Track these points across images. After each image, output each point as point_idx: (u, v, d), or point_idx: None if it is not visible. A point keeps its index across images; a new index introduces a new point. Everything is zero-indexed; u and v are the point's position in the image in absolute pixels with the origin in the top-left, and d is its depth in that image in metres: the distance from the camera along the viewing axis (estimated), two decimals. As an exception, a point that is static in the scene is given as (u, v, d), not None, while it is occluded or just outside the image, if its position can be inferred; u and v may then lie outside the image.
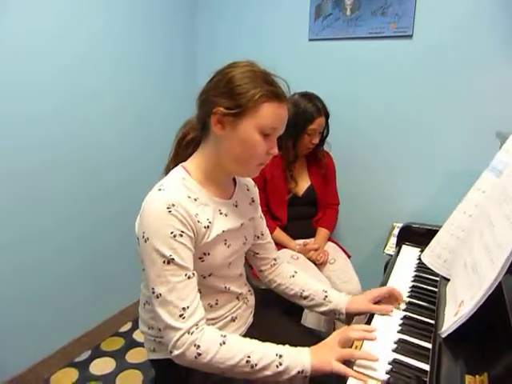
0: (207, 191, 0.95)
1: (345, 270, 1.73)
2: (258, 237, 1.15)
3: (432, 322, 0.96)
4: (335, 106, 1.84)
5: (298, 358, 0.82)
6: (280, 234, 1.81)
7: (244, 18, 2.24)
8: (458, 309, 0.84)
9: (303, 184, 1.87)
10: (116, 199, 2.00)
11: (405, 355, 0.85)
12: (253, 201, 1.13)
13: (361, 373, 0.78)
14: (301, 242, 1.84)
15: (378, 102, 1.97)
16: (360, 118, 2.04)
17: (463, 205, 1.21)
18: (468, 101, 1.77)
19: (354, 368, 0.80)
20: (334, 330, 1.62)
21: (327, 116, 1.77)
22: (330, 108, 1.79)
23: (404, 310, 1.03)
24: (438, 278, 1.16)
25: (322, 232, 1.87)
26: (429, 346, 0.87)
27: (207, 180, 0.96)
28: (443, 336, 0.84)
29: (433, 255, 1.22)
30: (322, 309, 1.11)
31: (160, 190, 0.88)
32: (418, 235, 1.44)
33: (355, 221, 2.16)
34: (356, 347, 0.86)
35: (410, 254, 1.39)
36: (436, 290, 1.11)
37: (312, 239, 1.86)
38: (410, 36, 1.83)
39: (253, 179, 1.16)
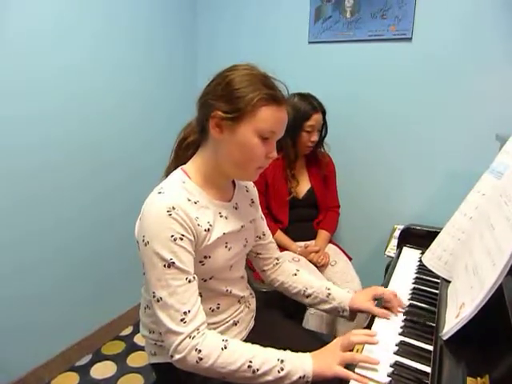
0: (207, 194, 0.95)
1: (346, 272, 1.73)
2: (260, 237, 1.15)
3: (433, 324, 0.95)
4: (335, 108, 1.85)
5: (300, 363, 0.81)
6: (281, 236, 1.81)
7: (244, 21, 2.24)
8: (459, 311, 0.84)
9: (304, 186, 1.87)
10: (117, 200, 2.00)
11: (406, 357, 0.85)
12: (253, 202, 1.13)
13: (362, 375, 0.78)
14: (302, 244, 1.84)
15: (378, 104, 1.97)
16: (360, 120, 2.04)
17: (464, 207, 1.21)
18: (468, 103, 1.77)
19: (356, 371, 0.80)
20: (336, 332, 1.62)
21: (324, 113, 1.78)
22: (330, 110, 1.79)
23: (405, 313, 1.03)
24: (438, 280, 1.15)
25: (323, 234, 1.87)
26: (430, 348, 0.87)
27: (207, 183, 0.96)
28: (444, 338, 0.84)
29: (434, 257, 1.22)
30: (326, 306, 1.11)
31: (160, 193, 0.87)
32: (419, 237, 1.44)
33: (356, 223, 2.16)
34: (357, 350, 0.86)
35: (410, 256, 1.39)
36: (437, 292, 1.11)
37: (313, 241, 1.86)
38: (410, 39, 1.83)
39: (254, 183, 1.16)
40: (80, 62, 1.72)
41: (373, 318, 1.01)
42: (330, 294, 1.11)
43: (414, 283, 1.19)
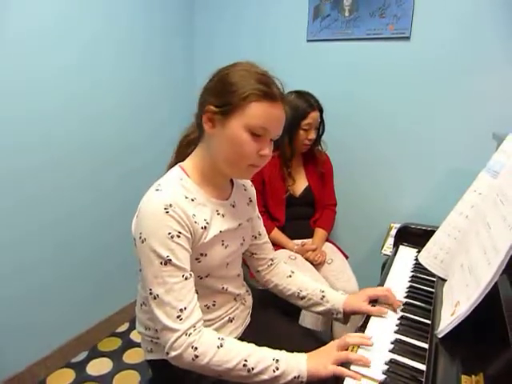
0: (204, 192, 0.95)
1: (342, 271, 1.73)
2: (256, 237, 1.15)
3: (428, 322, 0.96)
4: (333, 106, 1.85)
5: (295, 363, 0.82)
6: (278, 234, 1.81)
7: (242, 19, 2.24)
8: (454, 309, 0.84)
9: (301, 184, 1.88)
10: (114, 198, 2.00)
11: (401, 355, 0.85)
12: (250, 201, 1.12)
13: (357, 372, 0.79)
14: (298, 242, 1.84)
15: (376, 103, 1.98)
16: (358, 119, 2.04)
17: (460, 206, 1.21)
18: (465, 102, 1.78)
19: (351, 368, 0.80)
20: (332, 330, 1.62)
21: (321, 111, 1.78)
22: (327, 108, 1.79)
23: (401, 311, 1.03)
24: (434, 279, 1.16)
25: (320, 232, 1.88)
26: (425, 346, 0.87)
27: (204, 180, 0.96)
28: (439, 336, 0.84)
29: (430, 256, 1.23)
30: (320, 309, 1.11)
31: (157, 190, 0.87)
32: (416, 236, 1.44)
33: (353, 221, 2.16)
34: (352, 350, 0.86)
35: (407, 254, 1.39)
36: (433, 290, 1.12)
37: (310, 240, 1.87)
38: (408, 38, 1.83)
39: (251, 181, 1.16)
40: (78, 62, 1.72)
41: (368, 316, 1.01)
42: (324, 296, 1.11)
43: (409, 281, 1.20)
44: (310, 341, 1.11)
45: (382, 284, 1.18)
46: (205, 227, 0.91)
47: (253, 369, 0.80)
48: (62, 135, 1.70)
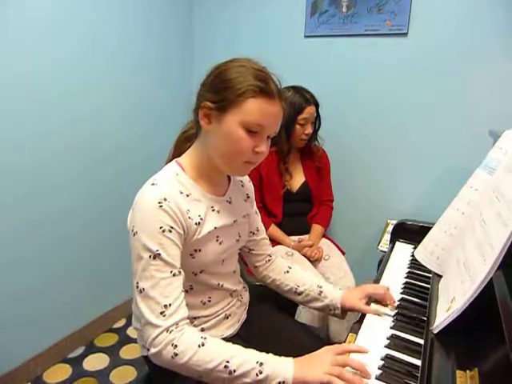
0: (200, 187, 0.94)
1: (339, 267, 1.74)
2: (254, 233, 1.15)
3: (424, 318, 0.96)
4: (330, 102, 1.85)
5: (281, 368, 0.77)
6: (275, 230, 1.81)
7: (240, 14, 2.23)
8: (449, 305, 0.84)
9: (298, 180, 1.88)
10: (111, 194, 1.99)
11: (397, 351, 0.85)
12: (248, 197, 1.12)
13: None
14: (295, 238, 1.84)
15: (373, 98, 1.98)
16: (355, 114, 2.04)
17: (456, 202, 1.21)
18: (462, 99, 1.78)
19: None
20: (328, 326, 1.63)
21: (317, 105, 1.78)
22: (325, 104, 1.79)
23: (397, 306, 1.03)
24: (430, 275, 1.17)
25: (317, 228, 1.88)
26: (421, 341, 0.88)
27: (200, 176, 0.95)
28: (435, 332, 0.85)
29: (426, 252, 1.23)
30: (317, 304, 1.10)
31: (153, 184, 0.87)
32: (412, 232, 1.45)
33: (350, 217, 2.17)
34: (349, 342, 0.86)
35: (403, 250, 1.40)
36: (428, 286, 1.12)
37: (306, 236, 1.87)
38: (406, 34, 1.83)
39: (248, 177, 1.16)
40: (75, 59, 1.71)
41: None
42: (321, 291, 1.10)
43: (406, 277, 1.20)
44: (306, 336, 1.12)
45: (378, 280, 1.19)
46: (199, 223, 0.90)
47: (234, 371, 0.76)
48: (59, 131, 1.69)
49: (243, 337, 1.07)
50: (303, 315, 1.58)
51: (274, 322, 1.17)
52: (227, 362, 0.77)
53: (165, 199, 0.83)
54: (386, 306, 1.04)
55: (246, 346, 0.83)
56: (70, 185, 1.78)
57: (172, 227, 0.83)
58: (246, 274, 1.53)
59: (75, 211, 1.83)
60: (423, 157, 1.92)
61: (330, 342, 1.36)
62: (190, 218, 0.88)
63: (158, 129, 2.19)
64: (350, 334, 0.92)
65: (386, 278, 1.20)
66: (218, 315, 1.03)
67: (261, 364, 0.77)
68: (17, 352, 1.69)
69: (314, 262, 1.76)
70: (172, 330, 0.79)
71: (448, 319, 0.81)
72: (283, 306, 1.25)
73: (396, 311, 1.01)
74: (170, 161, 0.99)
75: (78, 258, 1.88)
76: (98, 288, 2.03)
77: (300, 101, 1.72)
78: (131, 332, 2.10)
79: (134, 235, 0.83)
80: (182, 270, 0.85)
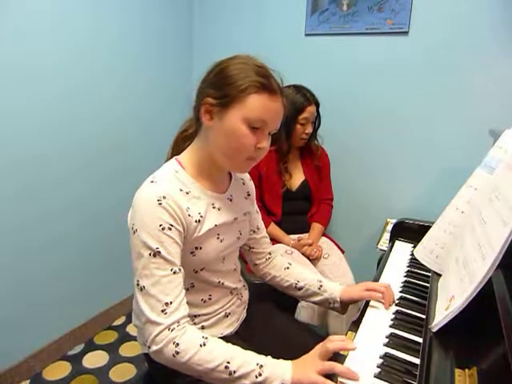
0: (200, 185, 0.94)
1: (339, 265, 1.74)
2: (254, 231, 1.15)
3: (423, 316, 0.97)
4: (331, 101, 1.85)
5: (280, 371, 0.78)
6: (274, 229, 1.81)
7: (241, 13, 2.23)
8: (448, 303, 0.85)
9: (297, 178, 1.88)
10: (111, 191, 2.00)
11: (396, 349, 0.85)
12: (248, 195, 1.12)
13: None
14: (295, 237, 1.84)
15: (374, 98, 1.98)
16: (355, 113, 2.04)
17: (456, 201, 1.21)
18: (463, 98, 1.78)
19: (339, 380, 0.76)
20: (327, 324, 1.63)
21: (317, 104, 1.78)
22: (325, 103, 1.79)
23: (396, 305, 1.04)
24: (429, 274, 1.17)
25: (316, 227, 1.88)
26: (420, 340, 0.88)
27: (200, 173, 0.95)
28: (434, 330, 0.85)
29: (425, 251, 1.23)
30: (317, 298, 1.11)
31: (152, 182, 0.87)
32: (411, 231, 1.45)
33: (349, 216, 2.17)
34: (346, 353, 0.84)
35: (402, 249, 1.40)
36: (428, 285, 1.12)
37: (306, 234, 1.87)
38: (406, 33, 1.83)
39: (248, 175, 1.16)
40: (72, 56, 1.70)
41: (364, 310, 1.02)
42: (321, 285, 1.11)
43: (405, 276, 1.20)
44: (305, 335, 1.12)
45: (377, 278, 1.19)
46: (199, 221, 0.90)
47: (234, 372, 0.77)
48: (57, 129, 1.69)
49: (242, 335, 1.07)
50: (303, 314, 1.58)
51: (274, 320, 1.17)
52: (228, 362, 0.77)
53: (164, 197, 0.83)
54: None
55: (245, 345, 0.83)
56: (70, 182, 1.78)
57: (171, 225, 0.83)
58: (245, 272, 1.53)
59: (74, 208, 1.83)
60: (423, 156, 1.92)
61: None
62: (189, 215, 0.88)
63: (156, 128, 2.19)
64: (349, 332, 0.92)
65: (385, 277, 1.20)
66: (219, 313, 1.03)
67: (261, 366, 0.78)
68: (16, 349, 1.69)
69: (314, 260, 1.76)
70: (173, 328, 0.79)
71: (447, 318, 0.81)
72: (282, 304, 1.25)
73: (396, 309, 1.02)
74: (168, 159, 0.99)
75: (77, 256, 1.88)
76: (98, 285, 2.03)
77: (301, 100, 1.72)
78: (131, 329, 2.10)
79: (134, 233, 0.83)
80: (182, 268, 0.85)
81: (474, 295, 0.76)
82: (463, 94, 1.77)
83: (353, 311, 1.28)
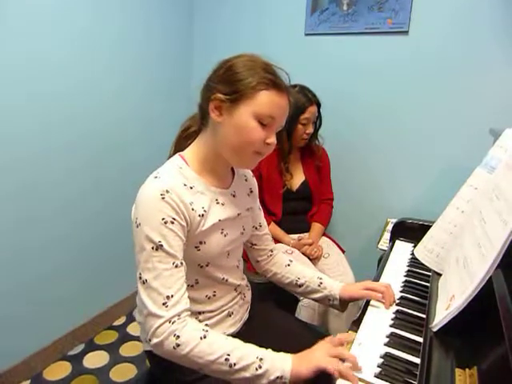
0: (204, 180, 0.95)
1: (339, 264, 1.74)
2: (256, 228, 1.16)
3: (423, 316, 0.97)
4: (331, 100, 1.85)
5: (279, 363, 0.79)
6: (274, 228, 1.81)
7: (241, 12, 2.23)
8: (449, 303, 0.85)
9: (298, 179, 1.88)
10: (112, 190, 2.00)
11: (396, 349, 0.86)
12: (251, 191, 1.13)
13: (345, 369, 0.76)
14: (295, 236, 1.84)
15: (374, 97, 1.97)
16: (355, 113, 2.04)
17: (456, 201, 1.21)
18: (463, 98, 1.78)
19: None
20: (328, 323, 1.63)
21: (319, 105, 1.77)
22: (325, 103, 1.79)
23: (396, 305, 1.04)
24: (430, 273, 1.17)
25: (317, 227, 1.88)
26: (420, 339, 0.88)
27: (204, 169, 0.96)
28: (434, 330, 0.85)
29: (425, 250, 1.23)
30: (317, 295, 1.12)
31: (156, 177, 0.88)
32: (412, 231, 1.45)
33: (349, 216, 2.17)
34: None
35: (403, 249, 1.40)
36: (428, 284, 1.12)
37: (306, 234, 1.87)
38: (406, 32, 1.83)
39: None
40: (73, 55, 1.70)
41: (364, 310, 1.02)
42: (321, 283, 1.12)
43: (405, 276, 1.20)
44: (306, 333, 1.12)
45: (377, 278, 1.19)
46: (202, 215, 0.91)
47: (235, 364, 0.78)
48: (58, 128, 1.69)
49: (245, 335, 1.07)
50: (303, 313, 1.58)
51: (275, 319, 1.18)
52: (228, 355, 0.79)
53: (167, 191, 0.84)
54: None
55: (246, 342, 0.84)
56: (70, 181, 1.78)
57: (174, 219, 0.84)
58: (246, 271, 1.53)
59: (74, 207, 1.83)
60: (423, 155, 1.92)
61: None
62: (193, 209, 0.89)
63: (157, 127, 2.19)
64: (350, 331, 0.93)
65: (385, 277, 1.20)
66: (222, 311, 1.03)
67: (260, 359, 0.79)
68: (17, 349, 1.69)
69: (314, 260, 1.76)
70: (174, 321, 0.80)
71: (447, 317, 0.81)
72: (283, 303, 1.25)
73: (396, 309, 1.02)
74: (171, 157, 1.00)
75: (77, 255, 1.88)
76: (98, 285, 2.03)
77: (303, 100, 1.72)
78: (131, 329, 2.10)
79: (137, 227, 0.84)
80: (184, 262, 0.86)
81: (474, 295, 0.76)
82: (463, 94, 1.77)
83: (353, 310, 1.28)
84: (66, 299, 1.85)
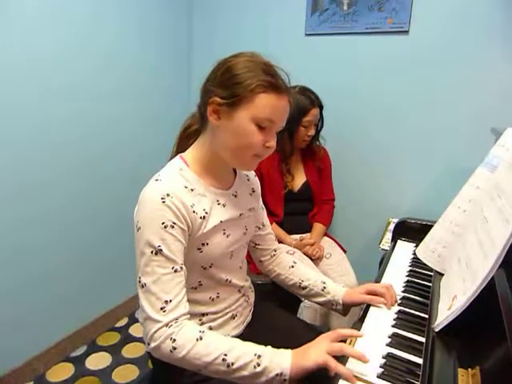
0: (205, 182, 0.95)
1: (341, 265, 1.74)
2: (259, 227, 1.15)
3: (426, 316, 0.96)
4: (331, 101, 1.84)
5: (278, 360, 0.78)
6: (276, 229, 1.81)
7: (241, 12, 2.23)
8: (451, 303, 0.84)
9: (299, 179, 1.87)
10: (113, 189, 2.00)
11: (398, 349, 0.85)
12: (253, 191, 1.12)
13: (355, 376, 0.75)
14: (297, 237, 1.84)
15: (375, 97, 1.97)
16: (356, 113, 2.04)
17: (458, 200, 1.21)
18: (464, 97, 1.78)
19: (347, 365, 0.78)
20: (330, 325, 1.63)
21: (321, 107, 1.77)
22: (326, 103, 1.79)
23: (398, 305, 1.03)
24: (432, 273, 1.17)
25: (318, 227, 1.88)
26: (422, 339, 0.88)
27: (205, 171, 0.95)
28: (436, 330, 0.85)
29: (427, 250, 1.23)
30: (320, 299, 1.12)
31: (157, 180, 0.88)
32: (414, 230, 1.45)
33: (351, 216, 2.16)
34: (350, 343, 0.86)
35: (405, 249, 1.40)
36: (430, 284, 1.12)
37: (308, 234, 1.87)
38: (407, 32, 1.83)
39: None
40: (69, 54, 1.69)
41: (366, 310, 1.02)
42: (325, 287, 1.11)
43: (407, 276, 1.20)
44: (309, 334, 1.11)
45: (379, 278, 1.18)
46: (204, 217, 0.91)
47: (232, 364, 0.77)
48: (57, 127, 1.69)
49: (248, 337, 1.07)
50: (305, 314, 1.58)
51: (278, 320, 1.18)
52: (225, 355, 0.78)
53: (168, 195, 0.84)
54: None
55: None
56: (69, 181, 1.78)
57: (174, 223, 0.84)
58: (249, 272, 1.53)
59: (75, 209, 1.82)
60: (425, 155, 1.92)
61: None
62: (194, 212, 0.88)
63: (155, 127, 2.18)
64: None
65: (387, 277, 1.20)
66: (226, 313, 1.03)
67: (259, 356, 0.78)
68: (19, 351, 1.69)
69: (316, 260, 1.76)
70: (171, 325, 0.80)
71: (449, 317, 0.81)
72: (285, 304, 1.25)
73: (398, 309, 1.01)
74: (173, 157, 0.99)
75: (79, 256, 1.88)
76: (100, 287, 2.04)
77: (305, 103, 1.71)
78: (133, 331, 2.10)
79: (138, 230, 0.84)
80: (184, 267, 0.86)
81: (476, 294, 0.76)
82: (464, 93, 1.77)
83: (355, 311, 1.27)
84: (67, 301, 1.86)
